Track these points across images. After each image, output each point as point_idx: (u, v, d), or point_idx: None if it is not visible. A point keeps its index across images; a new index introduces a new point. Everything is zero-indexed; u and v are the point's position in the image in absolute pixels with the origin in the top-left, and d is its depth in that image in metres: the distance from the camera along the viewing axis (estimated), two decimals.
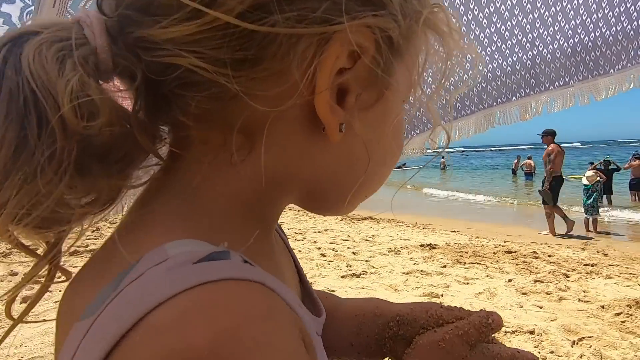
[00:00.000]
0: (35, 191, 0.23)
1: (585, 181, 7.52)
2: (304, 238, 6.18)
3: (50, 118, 0.22)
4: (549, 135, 6.87)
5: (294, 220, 8.12)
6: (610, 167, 11.09)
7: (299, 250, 5.26)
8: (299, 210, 9.71)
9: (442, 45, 0.32)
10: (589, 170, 8.51)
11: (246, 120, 0.27)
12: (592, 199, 7.30)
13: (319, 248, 5.46)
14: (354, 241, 6.01)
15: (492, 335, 0.40)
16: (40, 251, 0.28)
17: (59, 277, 0.29)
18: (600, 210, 7.56)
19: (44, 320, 0.32)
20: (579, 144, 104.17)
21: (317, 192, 0.32)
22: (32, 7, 0.71)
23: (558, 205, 6.88)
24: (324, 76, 0.26)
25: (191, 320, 0.20)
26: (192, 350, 0.19)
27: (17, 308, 0.30)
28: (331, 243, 5.82)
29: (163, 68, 0.25)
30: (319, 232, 6.78)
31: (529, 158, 20.64)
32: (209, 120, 0.27)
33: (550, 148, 6.83)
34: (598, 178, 7.59)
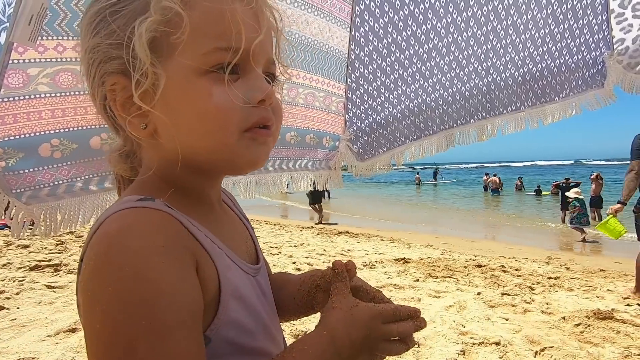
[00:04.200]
0: None
1: (576, 196, 8.11)
2: (280, 252, 6.15)
3: None
4: None
5: (269, 235, 8.06)
6: (570, 185, 11.80)
7: (274, 265, 5.23)
8: (275, 224, 9.64)
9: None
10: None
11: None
12: (585, 214, 8.21)
13: (294, 262, 5.45)
14: (330, 255, 6.03)
15: (355, 276, 0.57)
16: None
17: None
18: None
19: None
20: (601, 162, 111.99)
21: (193, 159, 0.48)
22: (7, 24, 0.73)
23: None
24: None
25: (114, 219, 0.42)
26: (110, 233, 0.41)
27: None
28: (307, 257, 5.83)
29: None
30: (295, 246, 6.77)
31: (495, 175, 21.57)
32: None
33: None
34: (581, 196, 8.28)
